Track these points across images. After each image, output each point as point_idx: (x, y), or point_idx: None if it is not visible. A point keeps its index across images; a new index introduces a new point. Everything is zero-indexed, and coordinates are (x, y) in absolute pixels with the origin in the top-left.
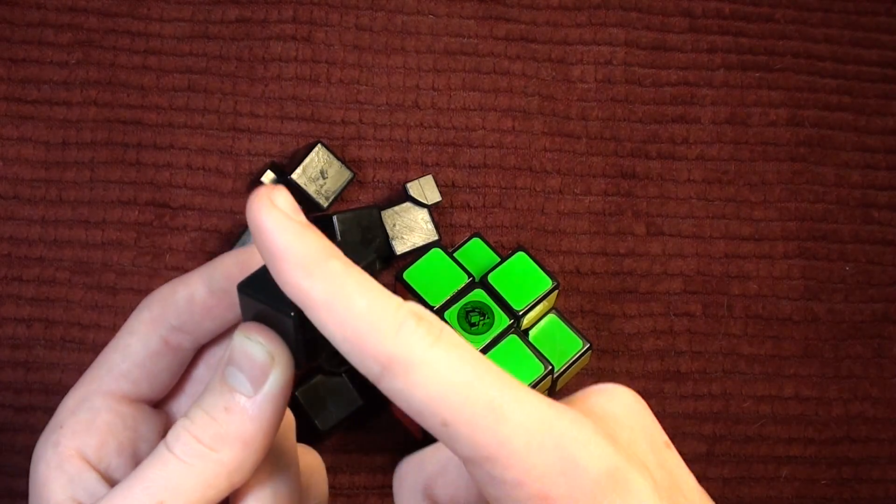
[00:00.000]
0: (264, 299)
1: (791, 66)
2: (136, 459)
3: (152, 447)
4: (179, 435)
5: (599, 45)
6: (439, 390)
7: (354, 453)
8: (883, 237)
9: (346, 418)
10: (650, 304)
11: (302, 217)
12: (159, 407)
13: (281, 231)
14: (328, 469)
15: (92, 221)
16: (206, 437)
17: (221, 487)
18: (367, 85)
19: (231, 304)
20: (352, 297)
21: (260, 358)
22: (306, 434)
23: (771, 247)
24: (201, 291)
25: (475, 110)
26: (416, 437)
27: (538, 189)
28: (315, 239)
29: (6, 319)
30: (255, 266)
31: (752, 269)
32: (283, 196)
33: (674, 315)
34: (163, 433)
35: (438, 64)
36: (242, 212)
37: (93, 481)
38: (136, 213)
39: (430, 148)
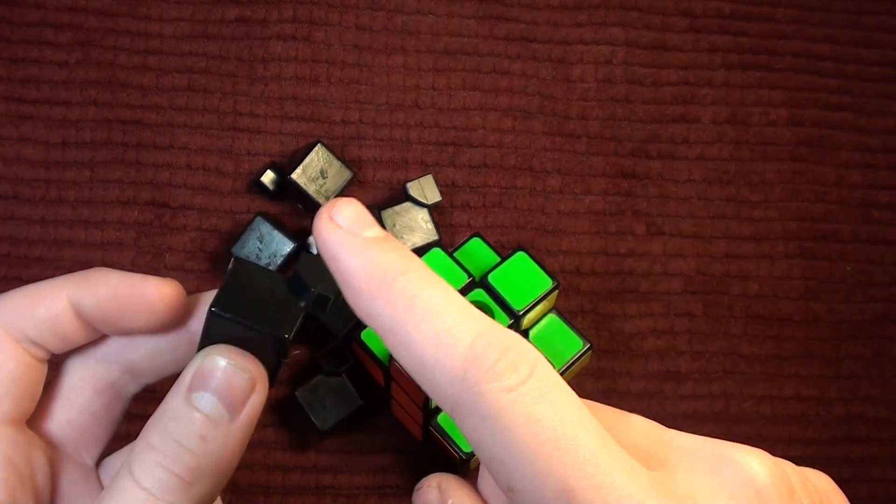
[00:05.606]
0: (250, 324)
1: (791, 66)
2: (35, 493)
3: (46, 477)
4: (151, 469)
5: (599, 44)
6: (508, 452)
7: (354, 453)
8: (883, 237)
9: (346, 418)
10: (650, 304)
11: (372, 230)
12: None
13: (341, 252)
14: (327, 469)
15: (92, 221)
16: (182, 470)
17: None
18: (367, 85)
19: (105, 329)
20: (417, 324)
21: (241, 384)
22: (306, 434)
23: (771, 247)
24: (66, 313)
25: (475, 110)
26: (416, 437)
27: (538, 189)
28: (381, 255)
29: None
30: (138, 294)
31: (752, 269)
32: (345, 210)
33: (674, 315)
34: (49, 459)
35: (438, 64)
36: (242, 212)
37: None
38: (136, 213)
39: (430, 148)
